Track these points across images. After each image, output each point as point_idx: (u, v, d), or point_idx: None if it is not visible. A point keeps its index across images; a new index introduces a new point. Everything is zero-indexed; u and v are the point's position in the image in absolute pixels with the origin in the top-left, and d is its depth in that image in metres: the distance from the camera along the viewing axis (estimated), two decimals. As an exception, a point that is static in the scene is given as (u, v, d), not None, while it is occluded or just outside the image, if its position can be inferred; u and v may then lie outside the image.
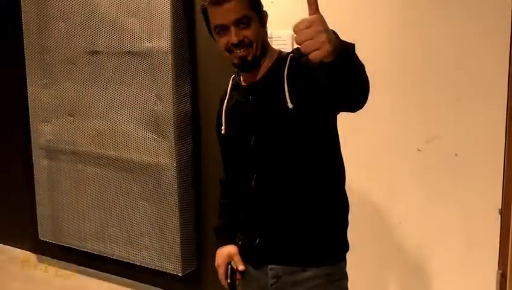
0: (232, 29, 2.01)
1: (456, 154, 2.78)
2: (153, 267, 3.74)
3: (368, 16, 2.89)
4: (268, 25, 2.17)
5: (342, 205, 2.22)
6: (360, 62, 1.72)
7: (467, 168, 2.77)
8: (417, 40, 2.79)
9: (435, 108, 2.80)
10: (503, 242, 2.70)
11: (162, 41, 3.32)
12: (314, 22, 1.48)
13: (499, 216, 2.70)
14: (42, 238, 4.38)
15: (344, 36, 1.67)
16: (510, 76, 2.60)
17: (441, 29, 2.72)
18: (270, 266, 2.16)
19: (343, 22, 2.84)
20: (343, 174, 2.21)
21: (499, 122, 2.68)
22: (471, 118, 2.74)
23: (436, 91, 2.78)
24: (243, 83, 2.21)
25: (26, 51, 4.10)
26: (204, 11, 2.09)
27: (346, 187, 2.21)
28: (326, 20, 1.52)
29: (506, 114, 2.64)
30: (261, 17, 2.11)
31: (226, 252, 2.31)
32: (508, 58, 2.61)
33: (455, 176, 2.80)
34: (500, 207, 2.70)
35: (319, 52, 1.47)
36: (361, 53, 1.76)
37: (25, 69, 4.14)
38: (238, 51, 2.03)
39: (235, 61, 2.07)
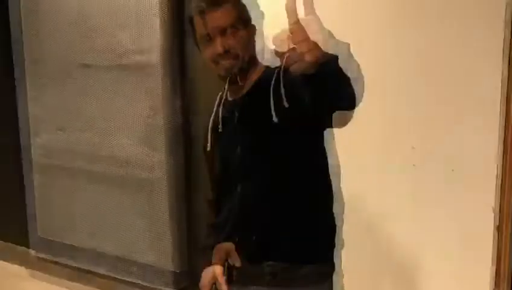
0: (218, 39, 2.01)
1: (453, 170, 2.74)
2: (145, 284, 3.70)
3: (361, 28, 2.85)
4: (259, 38, 2.16)
5: (328, 225, 2.21)
6: (345, 74, 1.68)
7: (463, 184, 2.73)
8: (411, 54, 2.75)
9: (431, 123, 2.76)
10: (499, 259, 2.67)
11: (152, 54, 3.29)
12: (295, 32, 1.45)
13: (496, 232, 2.67)
14: (34, 254, 4.34)
15: (334, 48, 1.64)
16: (506, 91, 2.57)
17: (435, 42, 2.69)
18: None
19: (335, 30, 2.83)
20: (331, 193, 2.19)
21: (495, 137, 2.64)
22: (467, 133, 2.69)
23: (432, 105, 2.74)
24: (230, 98, 2.20)
25: (15, 64, 4.07)
26: (191, 20, 2.09)
27: (339, 203, 2.18)
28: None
29: (504, 130, 2.61)
30: (249, 29, 2.10)
31: (212, 271, 2.26)
32: (501, 72, 2.57)
33: (451, 191, 2.76)
34: (497, 224, 2.67)
35: (300, 64, 1.45)
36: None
37: (14, 82, 4.10)
38: (223, 62, 2.05)
39: (221, 72, 2.08)
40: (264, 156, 2.07)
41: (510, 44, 2.54)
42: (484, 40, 2.59)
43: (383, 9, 2.81)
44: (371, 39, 2.83)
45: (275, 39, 1.45)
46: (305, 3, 1.48)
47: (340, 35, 1.64)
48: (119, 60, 3.45)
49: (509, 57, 2.55)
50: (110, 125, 3.61)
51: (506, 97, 2.55)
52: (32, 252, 4.34)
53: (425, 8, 2.70)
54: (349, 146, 2.87)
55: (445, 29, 2.66)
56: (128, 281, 3.79)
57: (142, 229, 3.62)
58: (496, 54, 2.57)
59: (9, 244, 4.69)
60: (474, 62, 2.62)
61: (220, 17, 2.00)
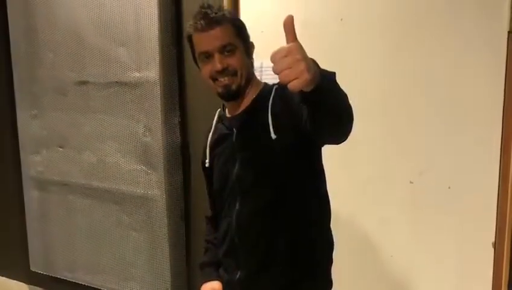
0: (216, 56, 2.01)
1: (449, 187, 2.74)
2: (143, 300, 3.69)
3: (360, 47, 2.87)
4: (258, 55, 2.17)
5: (326, 242, 2.19)
6: (342, 91, 1.68)
7: (460, 201, 2.73)
8: (410, 72, 2.77)
9: (428, 140, 2.77)
10: (496, 276, 2.67)
11: (150, 71, 3.30)
12: (292, 50, 1.43)
13: (492, 249, 2.66)
14: (33, 269, 4.34)
15: (335, 67, 1.64)
16: (504, 108, 2.58)
17: (435, 61, 2.70)
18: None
19: (333, 52, 2.85)
20: (329, 209, 2.18)
21: (492, 155, 2.65)
22: (464, 151, 2.70)
23: (429, 123, 2.75)
24: (228, 115, 2.20)
25: (15, 82, 4.09)
26: (189, 38, 2.09)
27: (338, 219, 2.17)
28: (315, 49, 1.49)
29: (501, 146, 2.62)
30: (247, 47, 2.11)
31: (210, 287, 2.28)
32: (502, 90, 2.58)
33: (448, 208, 2.76)
34: (493, 240, 2.66)
35: (297, 82, 1.42)
36: (353, 84, 1.73)
37: (14, 99, 4.12)
38: (222, 79, 2.03)
39: (219, 90, 2.06)
40: (262, 172, 2.06)
41: (507, 69, 2.56)
42: (484, 62, 2.61)
43: (382, 39, 2.83)
44: (371, 63, 2.85)
45: (273, 57, 1.45)
46: (287, 31, 1.49)
47: (336, 65, 1.64)
48: (117, 77, 3.47)
49: (506, 79, 2.57)
50: (108, 142, 3.62)
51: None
52: (31, 268, 4.35)
53: (425, 40, 2.72)
54: (345, 161, 2.89)
55: (444, 51, 2.68)
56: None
57: (140, 246, 3.62)
58: (496, 76, 2.59)
59: (9, 260, 4.69)
60: (474, 86, 2.65)
61: (218, 35, 1.99)
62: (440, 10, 2.66)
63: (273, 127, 1.98)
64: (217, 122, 2.29)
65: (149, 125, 3.38)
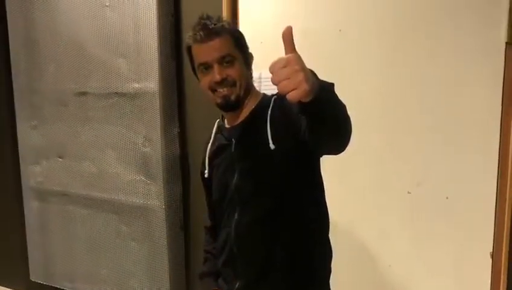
0: (216, 67, 2.01)
1: (447, 197, 2.75)
2: (142, 311, 3.69)
3: (358, 57, 2.88)
4: (257, 66, 2.17)
5: (324, 251, 2.19)
6: (341, 102, 1.67)
7: (458, 211, 2.74)
8: (408, 82, 2.78)
9: (426, 150, 2.77)
10: (494, 286, 2.67)
11: (150, 82, 3.31)
12: (291, 61, 1.43)
13: (490, 260, 2.67)
14: (33, 279, 4.33)
15: (333, 77, 1.65)
16: (502, 118, 2.59)
17: (432, 72, 2.71)
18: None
19: (332, 62, 2.86)
20: (327, 219, 2.17)
21: (490, 165, 2.65)
22: (462, 161, 2.71)
23: (427, 133, 2.76)
24: (227, 125, 2.20)
25: (15, 93, 4.09)
26: (189, 49, 2.09)
27: (336, 229, 2.17)
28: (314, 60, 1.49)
29: (498, 157, 2.62)
30: (246, 58, 2.11)
31: None
32: (500, 101, 2.59)
33: (446, 218, 2.76)
34: (491, 250, 2.67)
35: (296, 92, 1.41)
36: (351, 95, 1.73)
37: (14, 110, 4.12)
38: (221, 90, 2.03)
39: (218, 100, 2.06)
40: (261, 182, 2.05)
41: (505, 79, 2.57)
42: (482, 73, 2.63)
43: (379, 51, 2.85)
44: (369, 73, 2.87)
45: (272, 67, 1.45)
46: (286, 42, 1.49)
47: (334, 76, 1.65)
48: (117, 88, 3.48)
49: (503, 89, 2.58)
50: (107, 153, 3.62)
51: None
52: (31, 278, 4.34)
53: (422, 50, 2.73)
54: (343, 171, 2.89)
55: (442, 62, 2.69)
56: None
57: (139, 256, 3.62)
58: (493, 86, 2.60)
59: (9, 270, 4.69)
60: (472, 96, 2.66)
61: (217, 46, 1.99)
62: (438, 21, 2.67)
63: (272, 138, 1.98)
64: (216, 132, 2.29)
65: (148, 136, 3.39)
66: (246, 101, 2.12)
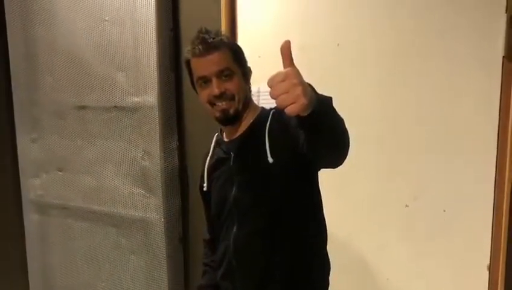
0: (214, 80, 2.02)
1: (444, 210, 2.76)
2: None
3: (356, 72, 2.90)
4: (255, 80, 2.18)
5: (323, 264, 2.19)
6: (339, 116, 1.68)
7: (455, 224, 2.74)
8: (406, 96, 2.79)
9: (423, 164, 2.78)
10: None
11: (149, 96, 3.32)
12: (289, 75, 1.44)
13: (487, 272, 2.67)
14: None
15: (331, 91, 1.66)
16: (499, 132, 2.60)
17: (429, 85, 2.72)
18: None
19: (330, 76, 2.87)
20: (325, 232, 2.18)
21: (487, 178, 2.66)
22: (459, 174, 2.72)
23: (424, 147, 2.77)
24: (225, 139, 2.21)
25: (15, 106, 4.09)
26: (187, 63, 2.10)
27: (334, 242, 2.17)
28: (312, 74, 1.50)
29: (495, 170, 2.63)
30: (244, 72, 2.12)
31: None
32: (497, 115, 2.61)
33: (443, 232, 2.77)
34: (488, 263, 2.67)
35: (294, 106, 1.42)
36: (348, 109, 1.74)
37: (14, 123, 4.13)
38: (220, 104, 2.04)
39: (217, 114, 2.07)
40: (259, 195, 2.06)
41: (502, 93, 2.58)
42: (479, 87, 2.64)
43: (378, 59, 2.86)
44: (366, 87, 2.89)
45: (270, 81, 1.45)
46: (284, 56, 1.50)
47: (332, 90, 1.66)
48: (116, 102, 3.49)
49: (501, 103, 2.59)
50: (107, 166, 3.63)
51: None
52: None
53: (419, 63, 2.75)
54: (341, 185, 2.90)
55: (439, 76, 2.71)
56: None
57: (139, 268, 3.62)
58: (491, 100, 2.62)
59: (9, 283, 4.67)
60: (469, 110, 2.68)
61: (216, 60, 2.01)
62: (435, 35, 2.68)
63: (270, 151, 1.99)
64: (215, 146, 2.30)
65: (147, 150, 3.40)
66: (245, 115, 2.13)
